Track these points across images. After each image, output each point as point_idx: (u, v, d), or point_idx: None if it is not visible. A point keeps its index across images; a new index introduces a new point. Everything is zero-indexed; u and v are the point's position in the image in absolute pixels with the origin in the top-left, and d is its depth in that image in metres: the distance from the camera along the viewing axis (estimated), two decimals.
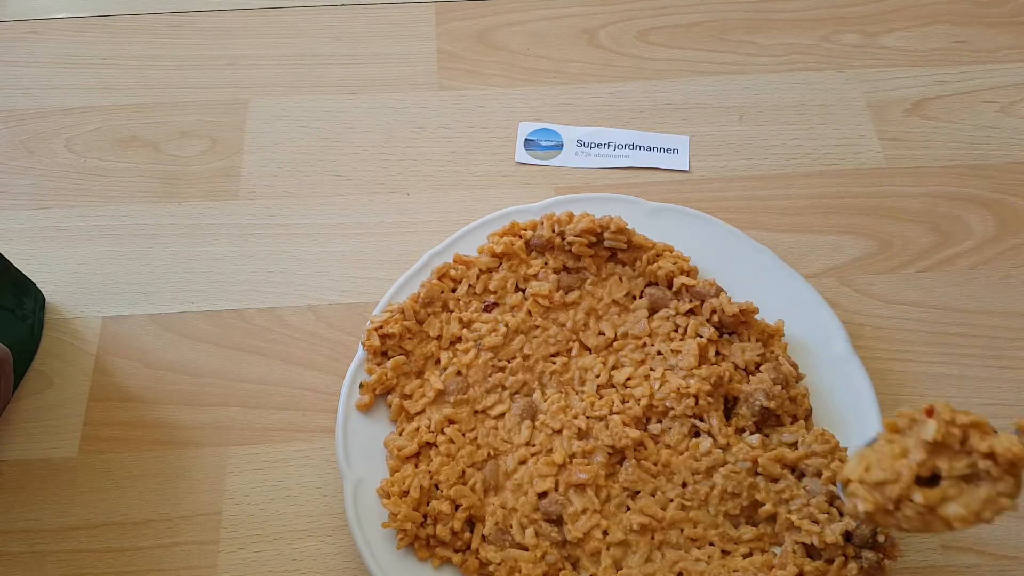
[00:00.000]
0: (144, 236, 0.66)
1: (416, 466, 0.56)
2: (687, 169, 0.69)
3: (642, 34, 0.77)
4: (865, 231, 0.66)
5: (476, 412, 0.57)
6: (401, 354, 0.58)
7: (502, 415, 0.57)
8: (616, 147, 0.70)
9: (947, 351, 0.61)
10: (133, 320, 0.63)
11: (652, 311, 0.60)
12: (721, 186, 0.69)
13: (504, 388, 0.57)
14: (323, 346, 0.62)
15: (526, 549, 0.52)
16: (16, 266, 0.60)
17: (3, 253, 0.59)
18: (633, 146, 0.70)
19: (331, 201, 0.68)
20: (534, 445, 0.55)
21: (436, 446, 0.57)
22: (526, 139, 0.71)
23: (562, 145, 0.71)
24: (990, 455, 0.42)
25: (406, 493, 0.54)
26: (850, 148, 0.70)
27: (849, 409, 0.56)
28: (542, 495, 0.54)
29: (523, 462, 0.55)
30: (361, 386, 0.57)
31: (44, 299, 0.63)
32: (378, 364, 0.59)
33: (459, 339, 0.59)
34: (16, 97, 0.73)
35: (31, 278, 0.62)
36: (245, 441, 0.58)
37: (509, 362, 0.58)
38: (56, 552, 0.54)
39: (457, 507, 0.54)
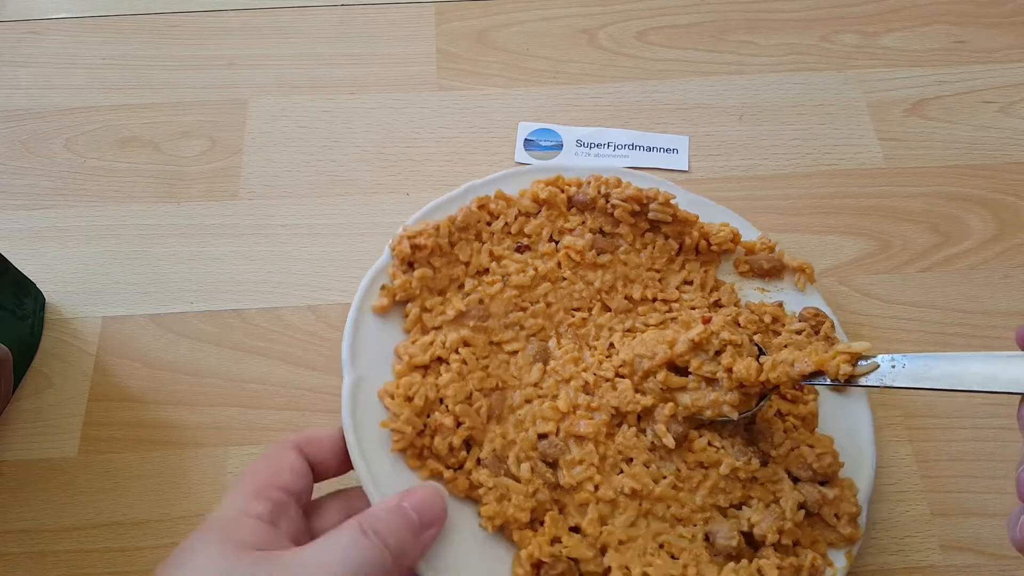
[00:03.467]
0: (144, 236, 0.66)
1: (424, 377, 0.54)
2: (687, 169, 0.69)
3: (641, 34, 0.77)
4: (865, 231, 0.66)
5: (492, 343, 0.56)
6: (428, 268, 0.57)
7: (516, 352, 0.56)
8: (616, 147, 0.70)
9: (945, 351, 0.61)
10: (133, 320, 0.62)
11: (689, 282, 0.61)
12: (721, 186, 0.68)
13: (522, 328, 0.57)
14: (323, 346, 0.62)
15: (519, 481, 0.51)
16: (16, 266, 0.60)
17: (3, 253, 0.58)
18: (633, 146, 0.70)
19: (331, 201, 0.68)
20: (542, 388, 0.55)
21: (447, 363, 0.54)
22: (525, 139, 0.71)
23: (562, 145, 0.70)
24: (729, 369, 0.51)
25: (410, 400, 0.52)
26: (850, 148, 0.70)
27: (845, 413, 0.57)
28: (543, 436, 0.53)
29: (529, 401, 0.55)
30: (383, 288, 0.56)
31: (44, 299, 0.62)
32: (403, 272, 0.56)
33: (486, 271, 0.58)
34: (16, 97, 0.72)
35: (31, 278, 0.61)
36: (245, 441, 0.58)
37: (532, 304, 0.57)
38: (56, 552, 0.54)
39: (459, 425, 0.52)
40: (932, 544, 0.55)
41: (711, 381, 0.52)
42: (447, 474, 0.53)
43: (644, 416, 0.53)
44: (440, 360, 0.54)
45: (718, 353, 0.52)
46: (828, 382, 0.47)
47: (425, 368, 0.54)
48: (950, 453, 0.57)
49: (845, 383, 0.47)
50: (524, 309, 0.57)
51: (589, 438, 0.52)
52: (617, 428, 0.54)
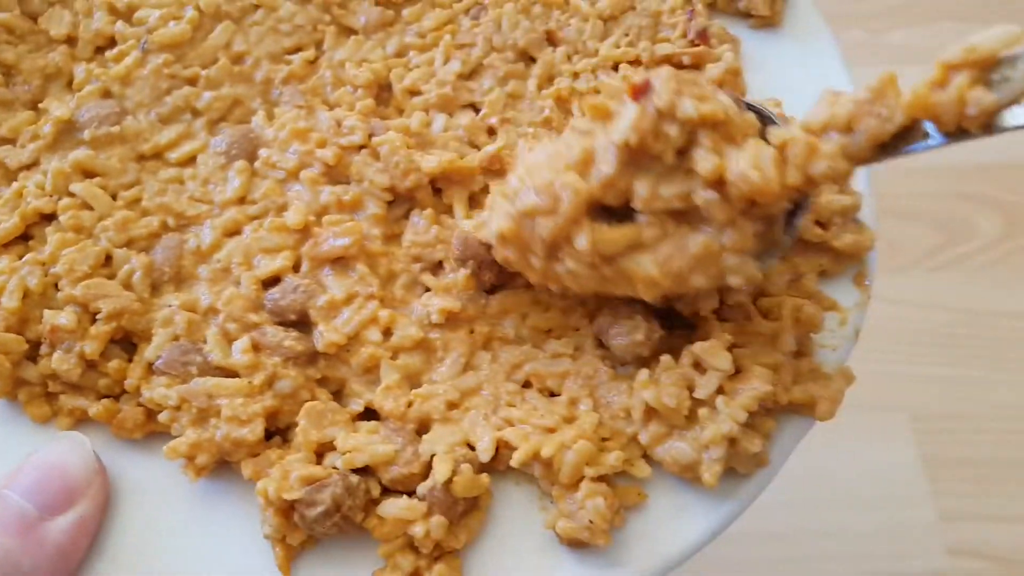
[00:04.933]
0: None
1: (20, 258, 0.34)
2: None
3: None
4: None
5: (142, 158, 0.37)
6: None
7: (192, 159, 0.37)
8: None
9: (951, 352, 0.61)
10: None
11: None
12: None
13: (196, 114, 0.38)
14: None
15: (235, 375, 0.33)
16: None
17: None
18: None
19: None
20: (253, 202, 0.36)
21: (58, 219, 0.35)
22: None
23: None
24: (717, 182, 0.27)
25: None
26: None
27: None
28: (271, 283, 0.35)
29: (232, 233, 0.36)
30: None
31: None
32: None
33: (112, 43, 0.39)
34: None
35: None
36: None
37: (205, 69, 0.38)
38: None
39: (94, 319, 0.33)
40: (939, 549, 0.54)
41: (686, 216, 0.29)
42: (96, 409, 0.33)
43: (444, 184, 0.36)
44: (47, 219, 0.36)
45: (682, 153, 0.28)
46: (940, 139, 0.26)
47: (24, 241, 0.36)
48: (958, 456, 0.58)
49: (982, 132, 0.25)
50: (192, 81, 0.38)
51: (353, 256, 0.34)
52: (404, 221, 0.36)
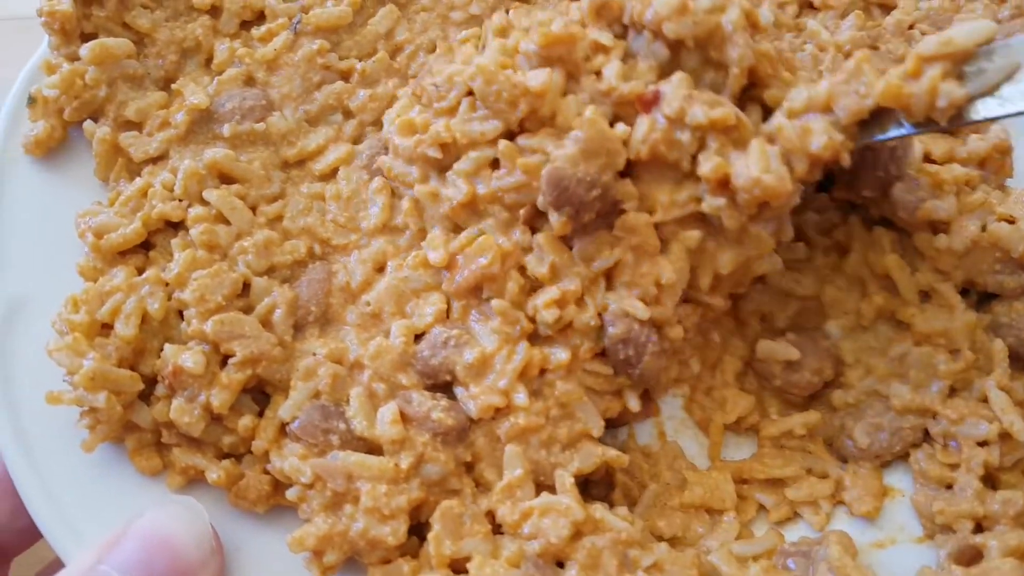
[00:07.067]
0: None
1: (140, 272, 0.29)
2: None
3: None
4: None
5: (286, 165, 0.32)
6: (122, 37, 0.32)
7: (333, 171, 0.32)
8: None
9: None
10: None
11: None
12: None
13: (348, 114, 0.32)
14: None
15: (378, 451, 0.28)
16: None
17: None
18: None
19: None
20: (398, 229, 0.31)
21: (185, 229, 0.30)
22: None
23: None
24: (723, 186, 0.26)
25: (106, 327, 0.28)
26: None
27: None
28: (421, 336, 0.29)
29: (381, 268, 0.30)
30: (31, 102, 0.32)
31: None
32: (69, 59, 0.31)
33: (261, 18, 0.33)
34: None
35: None
36: None
37: (361, 61, 0.33)
38: None
39: (225, 361, 0.28)
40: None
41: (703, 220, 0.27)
42: (215, 473, 0.28)
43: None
44: (173, 226, 0.31)
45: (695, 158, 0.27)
46: (907, 128, 0.26)
47: (144, 251, 0.31)
48: None
49: (949, 124, 0.26)
50: (346, 75, 0.33)
51: (492, 277, 0.29)
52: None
